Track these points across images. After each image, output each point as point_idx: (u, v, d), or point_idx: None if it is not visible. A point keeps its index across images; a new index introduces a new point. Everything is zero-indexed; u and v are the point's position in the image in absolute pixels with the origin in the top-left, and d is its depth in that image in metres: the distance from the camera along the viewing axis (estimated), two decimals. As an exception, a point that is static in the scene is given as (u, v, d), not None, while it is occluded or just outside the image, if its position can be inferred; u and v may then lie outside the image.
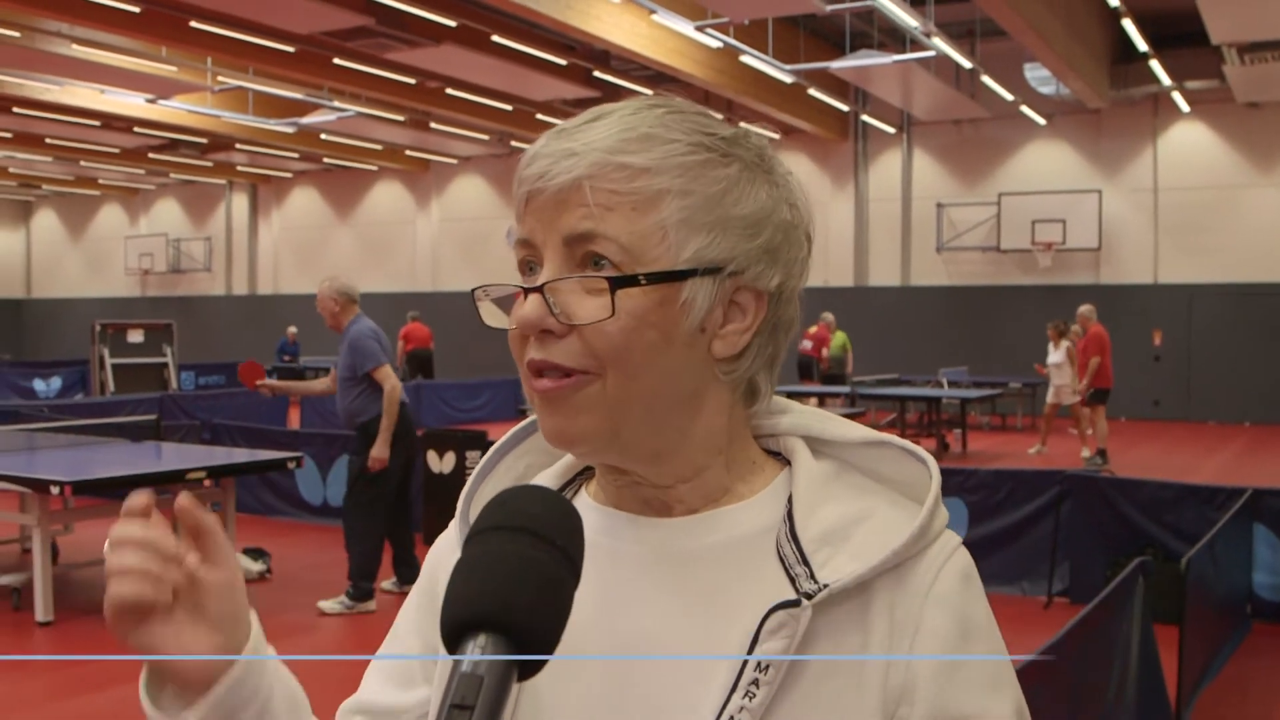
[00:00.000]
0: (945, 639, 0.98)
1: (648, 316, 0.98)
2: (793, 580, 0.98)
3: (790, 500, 1.03)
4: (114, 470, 8.13)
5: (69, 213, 38.81)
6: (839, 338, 20.45)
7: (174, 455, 9.32)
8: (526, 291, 0.99)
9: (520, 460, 1.18)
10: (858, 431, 1.08)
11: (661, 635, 1.00)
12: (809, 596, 0.96)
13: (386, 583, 8.23)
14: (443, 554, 1.15)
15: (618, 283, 0.97)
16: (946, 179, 24.53)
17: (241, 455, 9.05)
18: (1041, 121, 22.86)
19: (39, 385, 24.92)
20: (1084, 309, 16.04)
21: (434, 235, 30.67)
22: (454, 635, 0.78)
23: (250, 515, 11.12)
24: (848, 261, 25.26)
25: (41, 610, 7.45)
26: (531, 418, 1.15)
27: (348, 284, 7.83)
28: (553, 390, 0.99)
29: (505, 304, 1.05)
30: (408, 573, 8.12)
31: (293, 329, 27.11)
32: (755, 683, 0.95)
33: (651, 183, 0.98)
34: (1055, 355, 16.51)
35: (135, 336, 22.05)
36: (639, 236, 0.98)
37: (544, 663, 0.79)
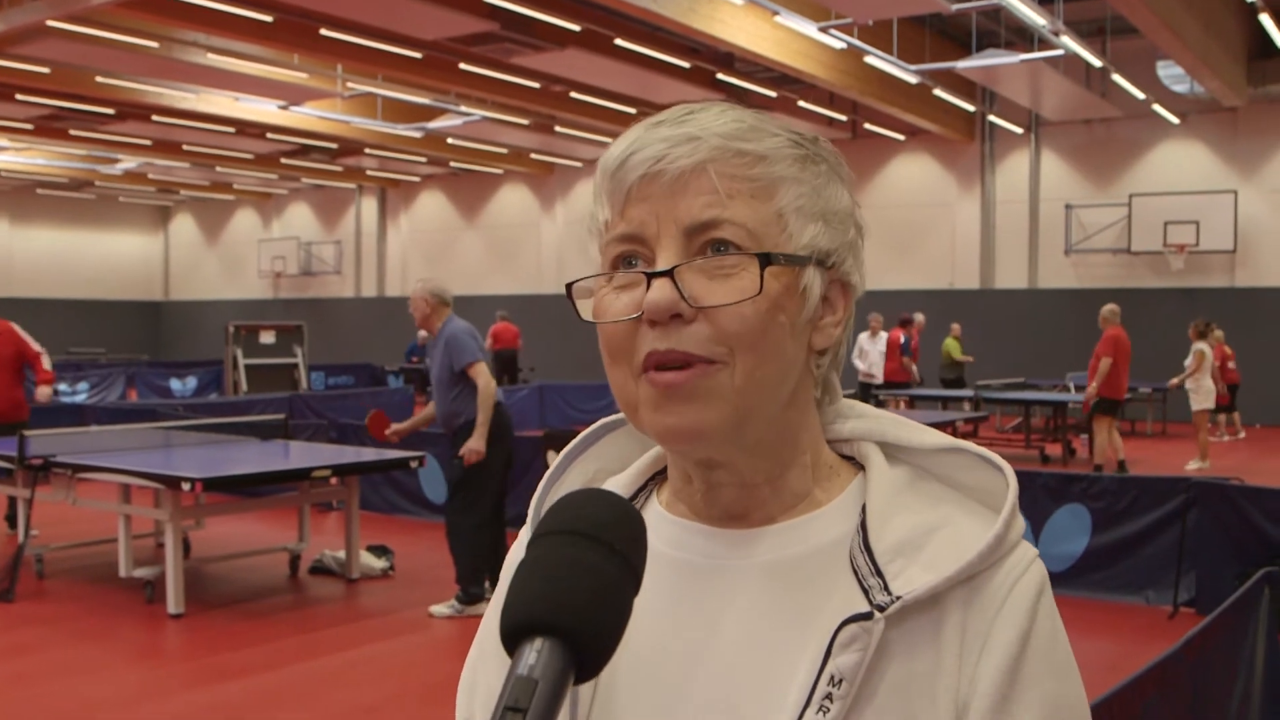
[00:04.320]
0: (1008, 656, 0.94)
1: (780, 299, 0.97)
2: (866, 592, 0.96)
3: (864, 509, 1.01)
4: (243, 468, 8.35)
5: (205, 217, 39.89)
6: (950, 343, 20.21)
7: (301, 454, 9.53)
8: (650, 277, 0.96)
9: (591, 464, 1.16)
10: (933, 437, 1.05)
11: (737, 649, 0.99)
12: (882, 609, 0.94)
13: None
14: (518, 557, 1.14)
15: (765, 260, 0.96)
16: (1076, 180, 24.05)
17: (366, 454, 9.22)
18: (1175, 120, 22.29)
19: (175, 385, 25.61)
20: (1106, 309, 14.49)
21: (559, 237, 30.90)
22: (512, 638, 0.77)
23: (375, 513, 11.34)
24: (974, 263, 24.92)
25: (173, 603, 7.67)
26: (603, 420, 1.15)
27: (440, 286, 7.87)
28: (680, 382, 0.96)
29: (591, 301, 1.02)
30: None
31: (423, 333, 27.43)
32: (829, 697, 0.93)
33: (770, 170, 0.99)
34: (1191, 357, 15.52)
35: (267, 338, 22.59)
36: (762, 222, 0.97)
37: (600, 667, 0.78)
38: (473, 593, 7.76)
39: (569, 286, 1.03)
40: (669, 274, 0.95)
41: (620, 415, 1.10)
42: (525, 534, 1.14)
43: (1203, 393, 15.21)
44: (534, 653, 0.75)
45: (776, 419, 1.01)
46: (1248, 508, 7.77)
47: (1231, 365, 18.26)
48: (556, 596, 0.78)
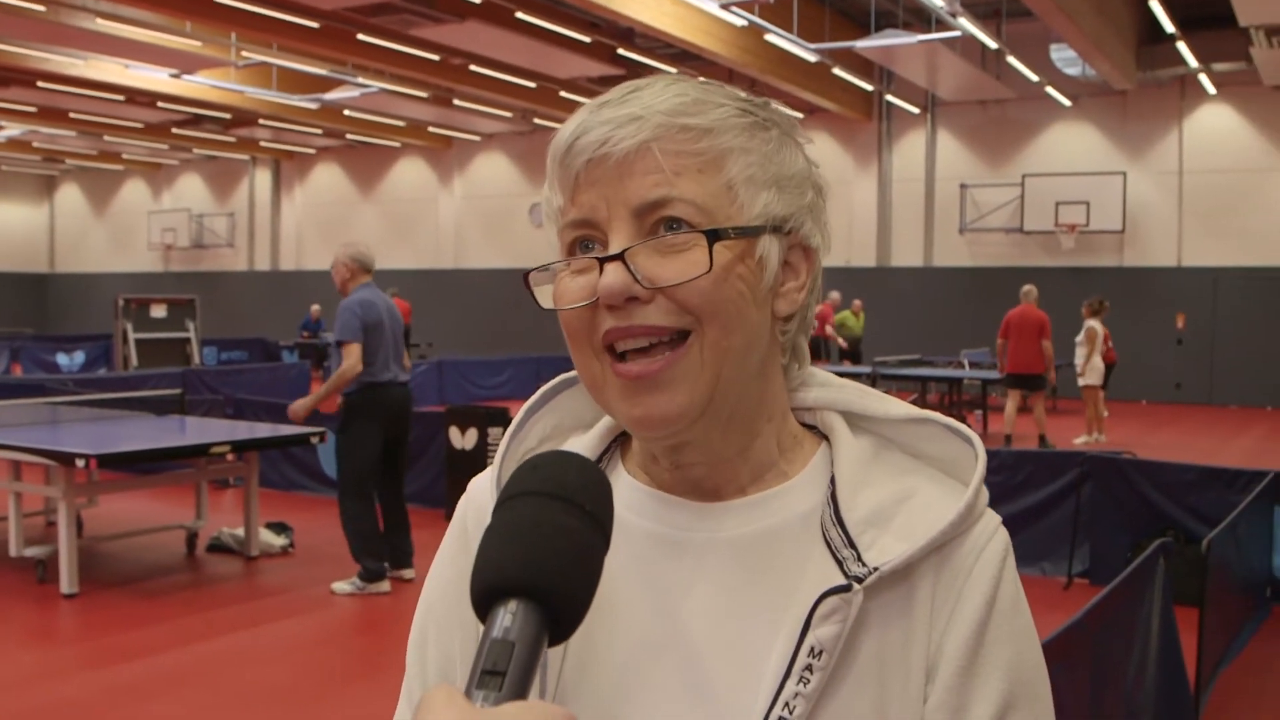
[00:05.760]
0: (974, 621, 0.97)
1: (735, 269, 0.96)
2: (840, 564, 0.96)
3: (833, 481, 1.02)
4: (139, 444, 8.17)
5: (92, 188, 38.94)
6: (846, 315, 20.57)
7: (198, 430, 9.37)
8: (602, 262, 0.95)
9: (550, 419, 1.15)
10: (900, 408, 1.06)
11: (709, 622, 0.99)
12: (859, 580, 0.95)
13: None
14: (478, 500, 1.11)
15: (713, 235, 0.95)
16: (970, 160, 24.42)
17: (264, 430, 9.09)
18: (1067, 103, 22.72)
19: (62, 359, 25.02)
20: (1023, 289, 15.10)
21: (457, 212, 30.68)
22: (484, 601, 0.77)
23: (273, 490, 11.18)
24: (870, 241, 25.19)
25: (67, 582, 7.50)
26: (562, 375, 1.13)
27: (362, 252, 7.65)
28: (647, 374, 0.96)
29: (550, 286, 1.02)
30: (401, 557, 7.88)
31: (316, 306, 27.06)
32: (809, 668, 0.93)
33: (716, 142, 0.98)
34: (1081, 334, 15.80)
35: (158, 311, 22.14)
36: (711, 196, 0.97)
37: (574, 628, 0.78)
38: (372, 570, 7.63)
39: (525, 276, 1.02)
40: (620, 257, 0.95)
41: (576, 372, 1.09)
42: (486, 477, 1.12)
43: (1091, 370, 15.49)
44: (509, 615, 0.75)
45: (747, 390, 1.01)
46: (1140, 481, 7.99)
47: (1109, 345, 18.69)
48: (530, 558, 0.77)
